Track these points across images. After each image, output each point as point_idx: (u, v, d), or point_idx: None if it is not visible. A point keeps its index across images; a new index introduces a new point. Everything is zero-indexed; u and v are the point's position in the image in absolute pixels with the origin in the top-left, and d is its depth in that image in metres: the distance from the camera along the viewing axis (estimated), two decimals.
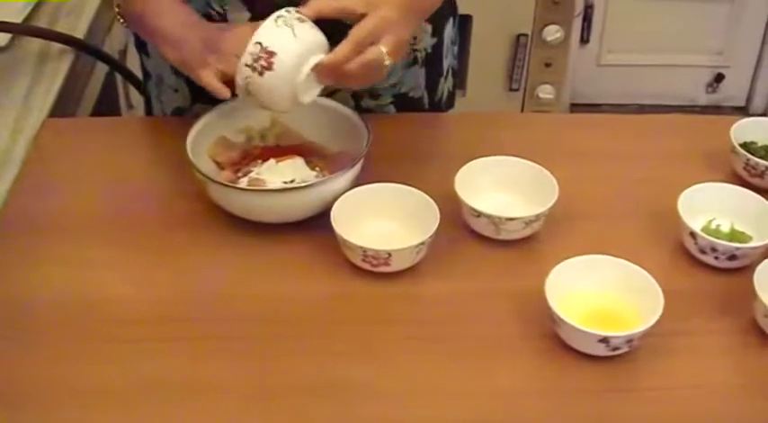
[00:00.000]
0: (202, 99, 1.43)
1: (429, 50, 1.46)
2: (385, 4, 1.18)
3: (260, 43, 1.13)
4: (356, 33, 1.17)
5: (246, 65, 1.14)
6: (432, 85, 1.51)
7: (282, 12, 1.16)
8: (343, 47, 1.16)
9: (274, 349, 1.09)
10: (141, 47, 1.49)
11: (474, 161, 1.28)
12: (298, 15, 1.16)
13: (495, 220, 1.20)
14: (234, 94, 1.20)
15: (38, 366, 1.06)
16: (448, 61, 1.54)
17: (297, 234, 1.22)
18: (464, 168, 1.26)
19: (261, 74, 1.14)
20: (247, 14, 1.33)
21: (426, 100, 1.51)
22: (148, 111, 1.57)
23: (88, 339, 1.09)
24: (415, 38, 1.42)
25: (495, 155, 1.30)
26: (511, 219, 1.20)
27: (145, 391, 1.04)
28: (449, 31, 1.50)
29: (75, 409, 1.02)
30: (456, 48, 1.58)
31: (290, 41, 1.14)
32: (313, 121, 1.31)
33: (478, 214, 1.21)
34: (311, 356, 1.08)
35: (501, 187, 1.27)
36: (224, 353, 1.09)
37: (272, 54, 1.13)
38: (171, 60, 1.28)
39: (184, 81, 1.45)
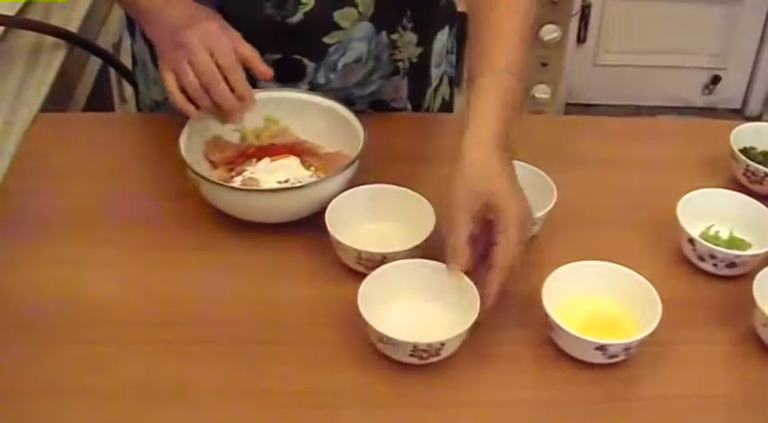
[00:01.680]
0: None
1: (414, 60, 1.44)
2: (504, 196, 1.08)
3: None
4: (505, 262, 1.06)
5: None
6: (416, 95, 1.49)
7: None
8: (495, 282, 1.06)
9: (265, 352, 1.07)
10: (131, 30, 1.47)
11: None
12: None
13: None
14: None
15: (24, 365, 1.05)
16: (440, 70, 1.52)
17: (291, 235, 1.20)
18: None
19: None
20: None
21: (410, 110, 1.49)
22: (138, 99, 1.56)
23: (75, 339, 1.08)
24: (397, 48, 1.41)
25: None
26: None
27: (132, 392, 1.03)
28: (441, 40, 1.48)
29: (62, 409, 1.01)
30: (454, 56, 1.57)
31: None
32: (308, 120, 1.30)
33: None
34: (303, 359, 1.07)
35: None
36: (214, 355, 1.07)
37: None
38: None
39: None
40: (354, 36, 1.35)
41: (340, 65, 1.37)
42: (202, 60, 1.20)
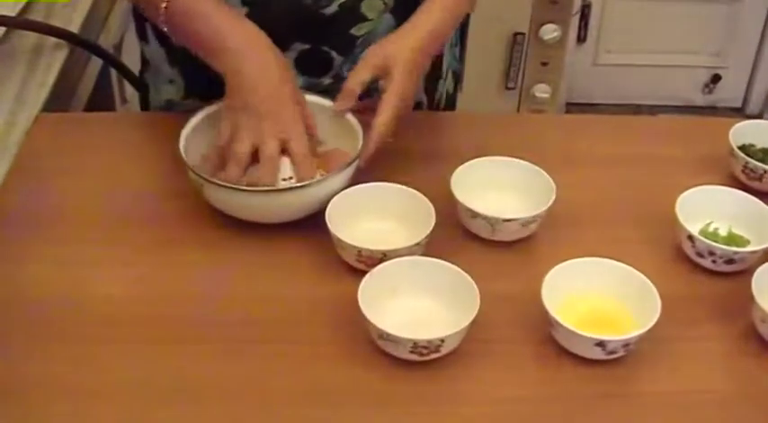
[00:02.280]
0: (196, 93, 1.43)
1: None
2: (397, 66, 1.25)
3: None
4: (381, 123, 1.24)
5: None
6: (431, 88, 1.50)
7: None
8: (372, 140, 1.24)
9: (266, 349, 1.08)
10: (142, 33, 1.47)
11: (470, 161, 1.27)
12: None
13: (491, 221, 1.19)
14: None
15: (27, 364, 1.05)
16: (447, 62, 1.53)
17: (291, 233, 1.21)
18: (460, 168, 1.25)
19: None
20: (244, 9, 1.31)
21: (425, 104, 1.51)
22: (145, 102, 1.56)
23: (76, 338, 1.08)
24: None
25: (492, 155, 1.29)
26: (507, 220, 1.19)
27: (132, 391, 1.03)
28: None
29: (61, 407, 1.01)
30: (458, 49, 1.58)
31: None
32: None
33: (474, 215, 1.20)
34: (304, 356, 1.07)
35: (497, 188, 1.26)
36: (214, 353, 1.08)
37: None
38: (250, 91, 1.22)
39: (179, 72, 1.43)
40: (379, 29, 1.37)
41: None
42: (271, 148, 1.19)
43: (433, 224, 1.16)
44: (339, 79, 1.37)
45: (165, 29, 1.26)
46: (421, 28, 1.29)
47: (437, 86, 1.53)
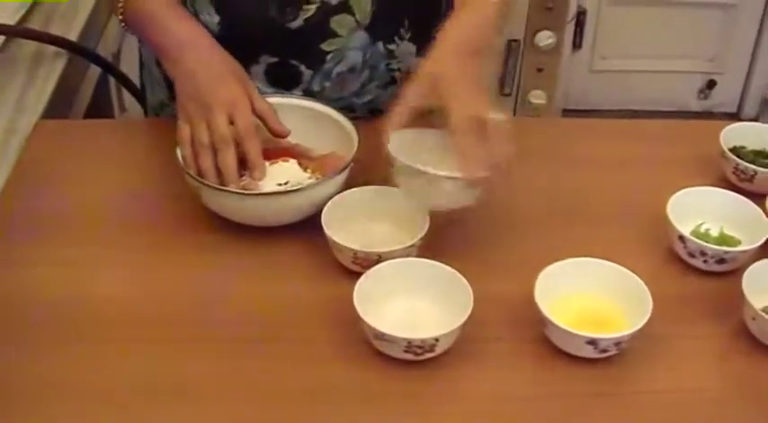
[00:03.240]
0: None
1: (411, 70, 1.42)
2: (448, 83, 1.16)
3: None
4: (461, 147, 1.13)
5: None
6: None
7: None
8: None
9: (263, 350, 1.09)
10: None
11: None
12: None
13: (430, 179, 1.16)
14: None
15: (29, 365, 1.06)
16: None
17: (288, 235, 1.22)
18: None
19: None
20: (217, 17, 1.33)
21: None
22: (144, 103, 1.58)
23: (79, 339, 1.10)
24: (395, 58, 1.42)
25: None
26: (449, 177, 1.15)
27: (131, 391, 1.04)
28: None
29: (61, 407, 1.02)
30: None
31: None
32: (301, 124, 1.31)
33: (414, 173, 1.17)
34: (301, 357, 1.09)
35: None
36: (213, 354, 1.09)
37: None
38: (180, 78, 1.26)
39: (162, 74, 1.45)
40: (350, 45, 1.37)
41: (334, 73, 1.38)
42: (219, 123, 1.20)
43: (427, 226, 1.17)
44: (309, 93, 1.38)
45: (129, 32, 1.31)
46: (449, 40, 1.21)
47: None
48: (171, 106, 1.46)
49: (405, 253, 1.15)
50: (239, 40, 1.28)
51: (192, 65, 1.24)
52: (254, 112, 1.24)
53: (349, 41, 1.36)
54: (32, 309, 1.13)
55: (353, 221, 1.21)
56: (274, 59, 1.36)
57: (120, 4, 1.28)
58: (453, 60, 1.19)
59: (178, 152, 1.23)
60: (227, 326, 1.11)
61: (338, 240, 1.15)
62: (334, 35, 1.35)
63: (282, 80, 1.38)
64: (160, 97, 1.49)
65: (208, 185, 1.20)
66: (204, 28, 1.29)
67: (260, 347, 1.09)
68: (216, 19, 1.33)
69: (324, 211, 1.18)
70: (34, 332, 1.10)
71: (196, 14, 1.34)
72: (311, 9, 1.31)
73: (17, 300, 1.14)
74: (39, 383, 1.05)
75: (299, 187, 1.21)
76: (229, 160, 1.20)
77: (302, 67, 1.37)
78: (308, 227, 1.21)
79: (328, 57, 1.37)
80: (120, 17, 1.30)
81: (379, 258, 1.14)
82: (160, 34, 1.27)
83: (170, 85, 1.44)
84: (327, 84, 1.39)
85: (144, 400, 1.04)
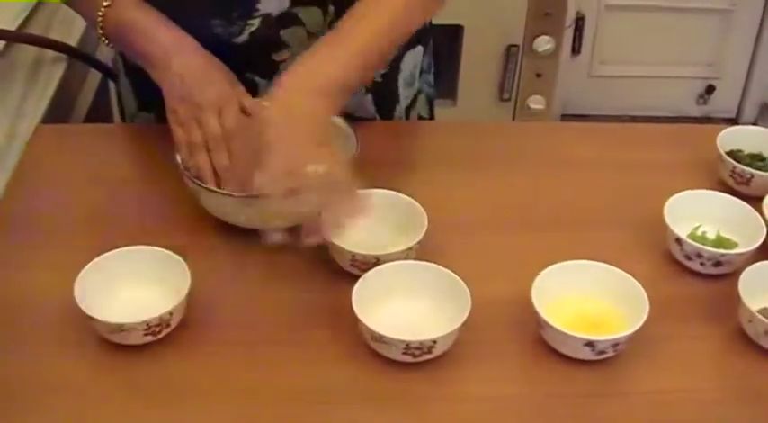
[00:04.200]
0: (146, 108, 1.46)
1: (378, 79, 1.43)
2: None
3: None
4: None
5: None
6: (385, 111, 1.48)
7: None
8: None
9: (262, 351, 1.09)
10: None
11: None
12: None
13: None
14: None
15: (29, 365, 1.07)
16: (413, 89, 1.51)
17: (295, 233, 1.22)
18: None
19: None
20: None
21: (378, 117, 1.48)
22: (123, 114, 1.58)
23: (77, 340, 1.10)
24: None
25: (485, 163, 1.31)
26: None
27: (131, 392, 1.05)
28: (412, 59, 1.47)
29: (61, 407, 1.03)
30: (431, 76, 1.56)
31: None
32: None
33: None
34: (299, 358, 1.09)
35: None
36: (211, 355, 1.09)
37: None
38: (166, 85, 1.25)
39: (131, 83, 1.46)
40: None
41: None
42: (211, 122, 1.21)
43: (425, 229, 1.18)
44: None
45: (108, 43, 1.29)
46: (305, 64, 1.18)
47: (393, 112, 1.49)
48: (139, 117, 1.47)
49: (403, 256, 1.15)
50: None
51: (179, 69, 1.24)
52: (243, 110, 1.24)
53: (303, 50, 1.30)
54: (32, 310, 1.13)
55: (352, 224, 1.21)
56: None
57: (100, 17, 1.27)
58: (290, 100, 1.14)
59: (177, 156, 1.24)
60: (225, 327, 1.12)
61: (336, 243, 1.16)
62: (285, 46, 1.34)
63: None
64: (131, 107, 1.50)
65: (207, 189, 1.20)
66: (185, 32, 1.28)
67: (258, 349, 1.09)
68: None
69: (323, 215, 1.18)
70: (34, 333, 1.11)
71: None
72: (254, 23, 1.30)
73: (17, 301, 1.15)
74: (39, 383, 1.05)
75: None
76: (224, 160, 1.21)
77: (256, 78, 1.36)
78: None
79: (281, 66, 1.35)
80: (100, 31, 1.28)
81: (377, 261, 1.14)
82: (144, 43, 1.26)
83: (138, 95, 1.46)
84: None
85: (144, 400, 1.04)
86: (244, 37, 1.31)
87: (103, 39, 1.29)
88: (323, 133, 1.15)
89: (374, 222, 1.22)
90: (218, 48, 1.29)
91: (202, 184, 1.21)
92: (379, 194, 1.23)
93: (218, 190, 1.21)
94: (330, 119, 1.19)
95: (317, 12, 1.32)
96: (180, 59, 1.25)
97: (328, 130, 1.18)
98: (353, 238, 1.18)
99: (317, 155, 1.11)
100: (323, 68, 1.18)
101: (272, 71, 1.35)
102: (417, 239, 1.17)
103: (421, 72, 1.52)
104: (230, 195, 1.20)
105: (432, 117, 1.59)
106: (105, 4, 1.26)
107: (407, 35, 1.29)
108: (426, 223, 1.19)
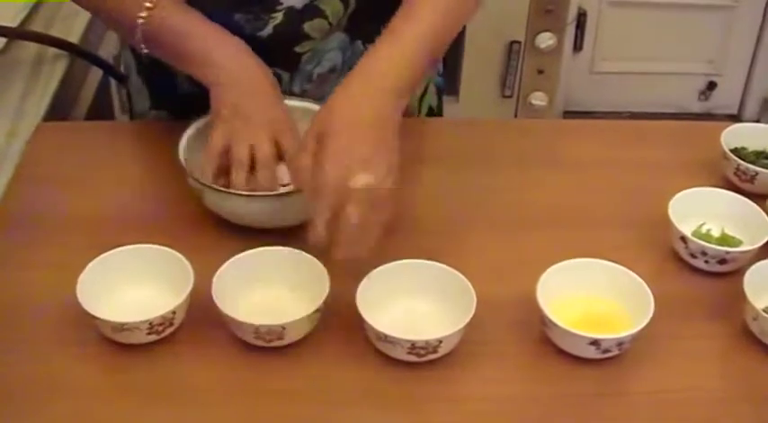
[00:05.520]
0: (162, 105, 1.45)
1: None
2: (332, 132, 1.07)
3: None
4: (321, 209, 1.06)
5: None
6: None
7: None
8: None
9: (266, 351, 1.09)
10: (124, 42, 1.49)
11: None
12: None
13: None
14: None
15: (26, 365, 1.07)
16: (426, 77, 1.51)
17: (292, 238, 1.21)
18: None
19: None
20: None
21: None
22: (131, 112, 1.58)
23: (77, 339, 1.10)
24: None
25: (487, 161, 1.31)
26: None
27: (134, 391, 1.05)
28: None
29: (61, 407, 1.03)
30: (441, 64, 1.57)
31: None
32: (300, 125, 1.31)
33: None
34: (303, 357, 1.09)
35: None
36: (216, 356, 1.09)
37: None
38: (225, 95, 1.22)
39: (144, 82, 1.45)
40: (328, 46, 1.37)
41: (315, 75, 1.38)
42: (266, 147, 1.20)
43: (327, 290, 1.09)
44: (291, 95, 1.36)
45: (142, 46, 1.25)
46: (370, 62, 1.15)
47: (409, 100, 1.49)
48: (150, 114, 1.46)
49: (308, 321, 1.08)
50: None
51: (244, 83, 1.22)
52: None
53: (324, 43, 1.35)
54: (34, 309, 1.13)
55: (246, 289, 1.14)
56: None
57: (140, 21, 1.22)
58: (355, 101, 1.10)
59: (180, 154, 1.23)
60: (223, 328, 1.10)
61: (236, 317, 1.06)
62: (308, 38, 1.34)
63: None
64: (142, 106, 1.49)
65: (210, 187, 1.20)
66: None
67: (261, 348, 1.09)
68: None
69: (213, 283, 1.10)
70: (36, 332, 1.11)
71: None
72: (278, 17, 1.31)
73: (18, 301, 1.15)
74: (39, 383, 1.05)
75: (299, 189, 1.20)
76: (270, 183, 1.21)
77: (279, 71, 1.36)
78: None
79: (303, 58, 1.36)
80: (138, 37, 1.23)
81: (284, 330, 1.06)
82: (199, 53, 1.23)
83: (151, 93, 1.45)
84: (308, 86, 1.39)
85: (144, 400, 1.04)
86: (268, 30, 1.32)
87: (142, 45, 1.25)
88: (394, 135, 1.11)
89: (271, 284, 1.15)
90: (245, 42, 1.30)
91: (207, 184, 1.20)
92: (269, 254, 1.16)
93: (221, 188, 1.20)
94: (400, 119, 1.13)
95: (338, 3, 1.33)
96: (236, 64, 1.23)
97: (397, 130, 1.12)
98: (250, 305, 1.12)
99: (373, 163, 1.06)
100: (387, 69, 1.13)
101: (294, 63, 1.36)
102: (322, 300, 1.08)
103: None
104: (237, 194, 1.20)
105: (440, 107, 1.60)
106: (148, 5, 1.22)
107: (456, 32, 1.24)
108: (328, 283, 1.10)
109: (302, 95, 1.38)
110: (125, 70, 1.53)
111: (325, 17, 1.33)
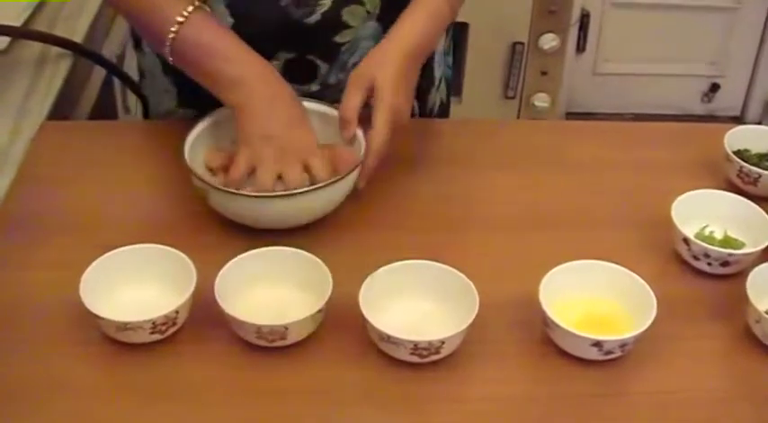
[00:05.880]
0: (190, 103, 1.45)
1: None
2: (383, 86, 1.24)
3: None
4: (377, 140, 1.24)
5: None
6: (421, 94, 1.50)
7: None
8: (371, 158, 1.24)
9: (269, 351, 1.09)
10: (137, 44, 1.49)
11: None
12: None
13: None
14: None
15: (27, 365, 1.06)
16: (440, 71, 1.54)
17: (292, 237, 1.21)
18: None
19: None
20: (231, 20, 1.33)
21: (417, 110, 1.51)
22: (146, 111, 1.58)
23: (78, 339, 1.10)
24: None
25: (490, 161, 1.30)
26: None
27: (135, 391, 1.05)
28: (442, 40, 1.51)
29: (61, 407, 1.03)
30: (450, 58, 1.59)
31: None
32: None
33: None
34: (306, 358, 1.09)
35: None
36: (219, 356, 1.09)
37: None
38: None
39: (172, 81, 1.45)
40: (363, 35, 1.38)
41: (349, 65, 1.39)
42: (295, 175, 1.21)
43: (330, 290, 1.09)
44: (326, 86, 1.39)
45: (171, 59, 1.25)
46: (402, 40, 1.28)
47: (429, 95, 1.53)
48: (176, 113, 1.46)
49: (311, 321, 1.09)
50: (254, 40, 1.28)
51: (267, 106, 1.23)
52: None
53: (361, 32, 1.37)
54: (37, 309, 1.13)
55: (251, 287, 1.14)
56: (291, 55, 1.37)
57: (171, 36, 1.22)
58: (396, 63, 1.26)
59: (185, 153, 1.23)
60: (225, 328, 1.10)
61: (238, 317, 1.06)
62: (347, 26, 1.36)
63: (300, 75, 1.38)
64: (167, 106, 1.49)
65: (215, 188, 1.20)
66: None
67: (265, 348, 1.09)
68: (230, 21, 1.33)
69: (216, 283, 1.10)
70: (38, 332, 1.11)
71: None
72: (326, 3, 1.32)
73: (21, 300, 1.15)
74: (39, 383, 1.05)
75: (308, 188, 1.20)
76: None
77: (318, 61, 1.38)
78: (313, 229, 1.22)
79: (342, 48, 1.38)
80: (168, 50, 1.24)
81: (286, 330, 1.07)
82: (223, 72, 1.23)
83: (180, 93, 1.45)
84: (342, 76, 1.39)
85: (146, 399, 1.04)
86: (316, 17, 1.33)
87: (171, 59, 1.25)
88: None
89: (276, 284, 1.15)
90: (286, 29, 1.32)
91: (212, 184, 1.20)
92: (272, 253, 1.16)
93: (226, 188, 1.20)
94: None
95: None
96: (262, 88, 1.24)
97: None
98: (255, 305, 1.12)
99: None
100: (424, 40, 1.31)
101: (334, 53, 1.38)
102: (324, 300, 1.09)
103: (443, 54, 1.55)
104: (240, 194, 1.20)
105: (449, 101, 1.62)
106: (179, 19, 1.22)
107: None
108: (331, 284, 1.10)
109: (337, 85, 1.38)
110: (142, 71, 1.53)
111: (363, 4, 1.35)
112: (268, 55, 1.30)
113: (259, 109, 1.23)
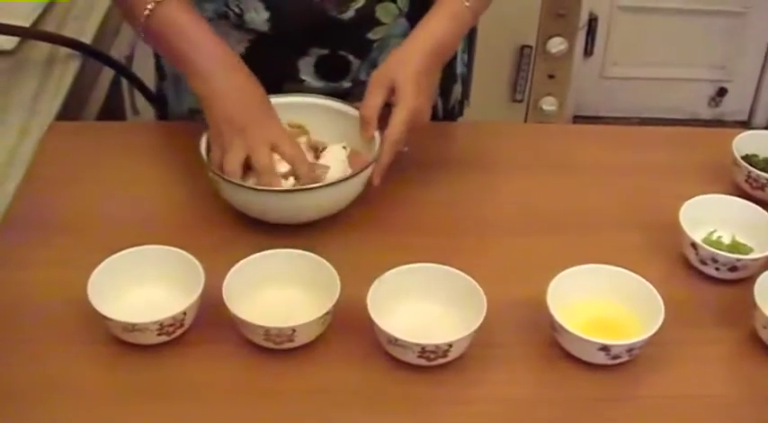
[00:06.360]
0: None
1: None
2: (403, 85, 1.25)
3: None
4: (391, 138, 1.24)
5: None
6: (445, 90, 1.52)
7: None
8: (385, 154, 1.24)
9: (276, 352, 1.09)
10: None
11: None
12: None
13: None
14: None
15: (29, 365, 1.07)
16: (459, 68, 1.55)
17: (300, 237, 1.21)
18: None
19: None
20: (266, 14, 1.33)
21: (441, 106, 1.52)
22: (162, 112, 1.58)
23: (82, 339, 1.10)
24: None
25: (497, 164, 1.30)
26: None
27: (135, 391, 1.05)
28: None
29: (61, 407, 1.03)
30: (466, 56, 1.60)
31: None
32: (323, 122, 1.32)
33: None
34: (314, 360, 1.09)
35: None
36: (227, 357, 1.09)
37: None
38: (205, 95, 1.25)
39: None
40: (394, 33, 1.39)
41: (380, 61, 1.39)
42: (264, 155, 1.21)
43: (338, 293, 1.10)
44: (357, 82, 1.40)
45: (142, 36, 1.28)
46: (425, 41, 1.29)
47: (452, 89, 1.54)
48: (201, 113, 1.46)
49: (319, 323, 1.09)
50: (289, 35, 1.29)
51: (229, 92, 1.24)
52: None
53: (392, 29, 1.38)
54: (44, 309, 1.13)
55: (259, 289, 1.14)
56: (324, 51, 1.38)
57: (146, 12, 1.25)
58: (418, 63, 1.27)
59: (202, 148, 1.23)
60: (231, 328, 1.10)
61: (246, 318, 1.07)
62: (379, 23, 1.37)
63: (332, 71, 1.39)
64: (189, 105, 1.49)
65: (229, 181, 1.20)
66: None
67: (273, 350, 1.09)
68: (265, 15, 1.33)
69: (224, 284, 1.10)
70: (47, 332, 1.11)
71: (242, 12, 1.34)
72: (361, 0, 1.33)
73: (28, 299, 1.15)
74: (39, 383, 1.05)
75: (322, 184, 1.21)
76: (276, 184, 1.21)
77: (351, 57, 1.39)
78: (323, 228, 1.23)
79: (374, 45, 1.39)
80: (141, 27, 1.26)
81: (294, 332, 1.07)
82: (190, 50, 1.25)
83: None
84: (372, 71, 1.39)
85: (151, 400, 1.04)
86: (350, 14, 1.33)
87: (142, 35, 1.28)
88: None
89: (284, 285, 1.16)
90: (321, 25, 1.33)
91: (227, 178, 1.20)
92: (282, 256, 1.16)
93: (240, 182, 1.20)
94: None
95: None
96: (226, 78, 1.25)
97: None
98: (263, 306, 1.13)
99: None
100: (446, 39, 1.31)
101: (366, 50, 1.39)
102: (332, 302, 1.09)
103: (461, 51, 1.56)
104: (255, 189, 1.20)
105: (463, 99, 1.63)
106: None
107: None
108: (339, 285, 1.10)
109: (366, 82, 1.37)
110: (165, 75, 1.53)
111: (395, 1, 1.36)
112: (301, 51, 1.31)
113: (223, 98, 1.24)
